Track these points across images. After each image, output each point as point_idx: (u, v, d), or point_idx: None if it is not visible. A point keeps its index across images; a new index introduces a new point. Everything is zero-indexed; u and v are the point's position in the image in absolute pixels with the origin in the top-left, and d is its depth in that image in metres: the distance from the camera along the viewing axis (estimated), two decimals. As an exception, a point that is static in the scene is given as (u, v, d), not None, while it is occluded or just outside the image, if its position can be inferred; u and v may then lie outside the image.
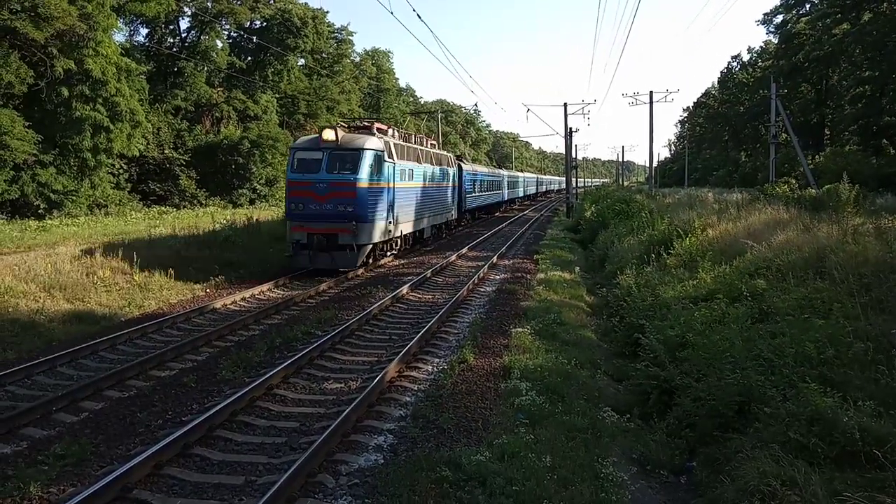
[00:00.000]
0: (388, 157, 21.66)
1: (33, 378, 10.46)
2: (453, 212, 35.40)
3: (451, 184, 34.04)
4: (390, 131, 24.05)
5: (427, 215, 28.31)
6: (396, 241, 24.29)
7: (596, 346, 13.38)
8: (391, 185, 21.95)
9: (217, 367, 11.02)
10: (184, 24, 55.10)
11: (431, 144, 31.35)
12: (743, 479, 6.60)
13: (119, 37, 45.13)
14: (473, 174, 44.13)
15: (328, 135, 20.07)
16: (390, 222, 22.15)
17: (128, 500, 6.56)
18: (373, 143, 20.78)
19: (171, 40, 54.12)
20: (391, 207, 22.09)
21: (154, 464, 7.20)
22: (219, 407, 8.71)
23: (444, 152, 35.42)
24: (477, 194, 45.12)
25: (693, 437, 8.54)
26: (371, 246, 21.02)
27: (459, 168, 38.08)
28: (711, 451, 8.02)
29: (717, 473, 7.38)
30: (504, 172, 63.69)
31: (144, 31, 52.54)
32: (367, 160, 20.23)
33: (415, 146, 26.69)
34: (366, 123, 23.08)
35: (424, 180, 27.37)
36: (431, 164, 29.13)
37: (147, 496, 6.64)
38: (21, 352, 11.96)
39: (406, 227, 24.75)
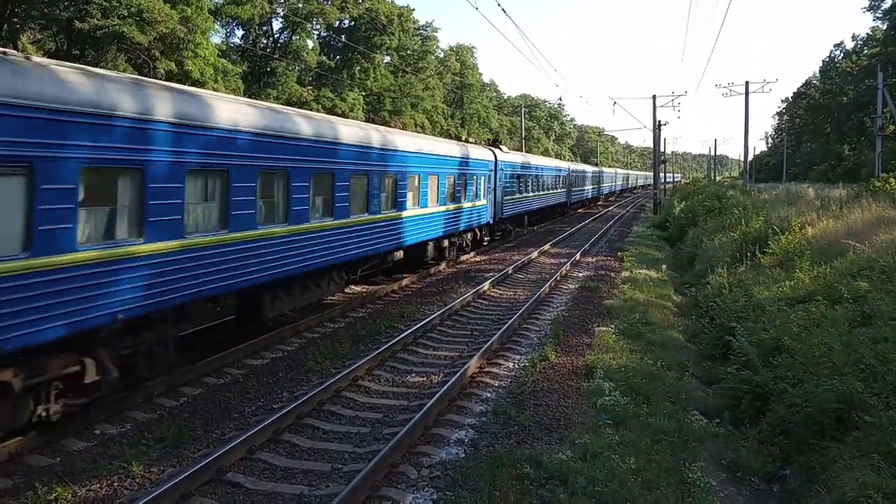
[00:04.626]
0: None
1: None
2: None
3: None
4: None
5: None
6: None
7: (684, 347, 13.01)
8: None
9: (305, 358, 11.40)
10: (276, 24, 57.08)
11: None
12: (840, 490, 6.30)
13: (216, 38, 47.23)
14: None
15: None
16: None
17: (222, 482, 6.90)
18: None
19: (265, 41, 56.13)
20: None
21: (247, 448, 7.55)
22: (307, 396, 9.03)
23: None
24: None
25: (787, 444, 8.20)
26: None
27: None
28: (806, 459, 7.68)
29: (812, 483, 7.07)
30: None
31: (240, 33, 54.76)
32: None
33: None
34: None
35: None
36: None
37: (240, 479, 6.97)
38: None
39: None
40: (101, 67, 30.92)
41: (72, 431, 8.05)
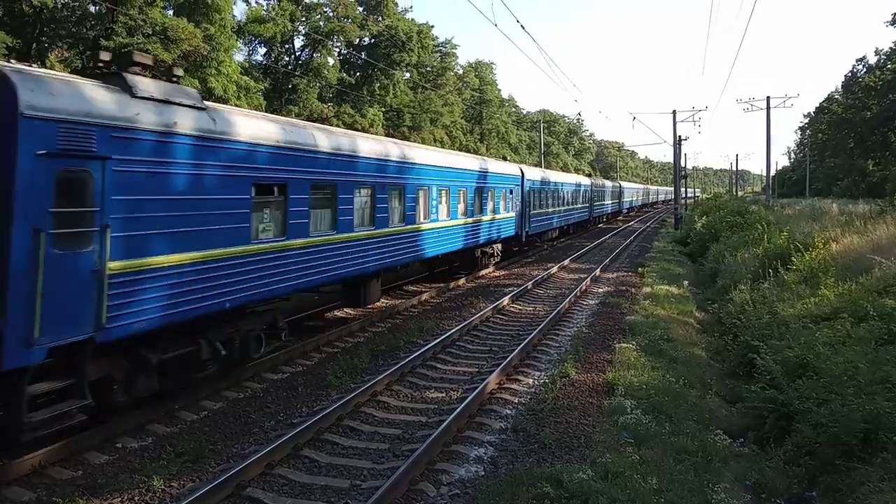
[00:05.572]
0: None
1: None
2: None
3: None
4: None
5: None
6: None
7: (706, 364, 12.84)
8: None
9: (325, 372, 11.42)
10: (298, 42, 57.79)
11: None
12: (870, 514, 6.13)
13: (239, 56, 47.87)
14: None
15: None
16: None
17: (242, 498, 6.90)
18: None
19: (287, 58, 56.83)
20: None
21: (266, 463, 7.55)
22: (326, 411, 9.03)
23: None
24: None
25: (813, 465, 8.01)
26: None
27: None
28: (833, 480, 7.50)
29: (839, 506, 6.90)
30: None
31: (262, 51, 55.50)
32: None
33: None
34: None
35: None
36: None
37: (260, 495, 6.96)
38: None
39: None
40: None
41: (94, 444, 8.11)
